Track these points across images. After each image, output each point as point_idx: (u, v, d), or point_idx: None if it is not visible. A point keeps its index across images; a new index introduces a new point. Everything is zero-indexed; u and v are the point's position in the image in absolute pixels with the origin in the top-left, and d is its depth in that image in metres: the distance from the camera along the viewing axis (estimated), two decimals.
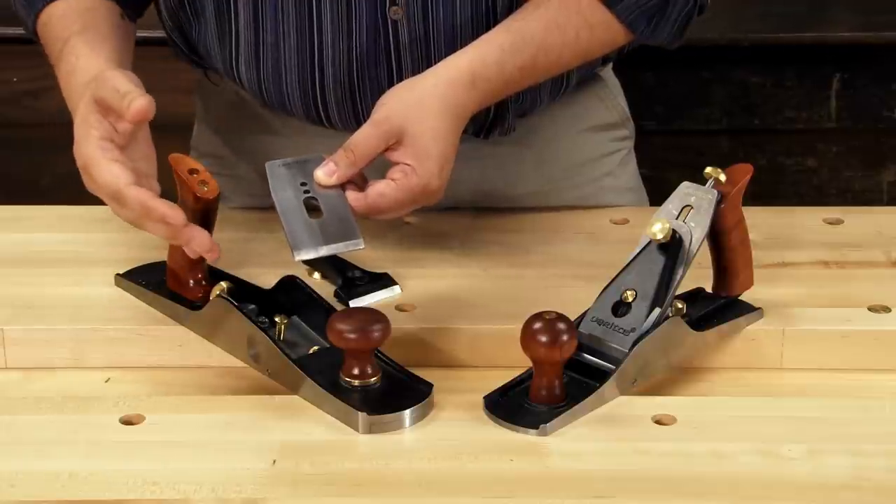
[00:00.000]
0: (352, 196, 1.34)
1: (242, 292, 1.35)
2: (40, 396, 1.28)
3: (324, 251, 1.29)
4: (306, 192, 1.33)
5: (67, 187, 2.23)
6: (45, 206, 1.64)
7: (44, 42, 1.50)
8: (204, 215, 1.33)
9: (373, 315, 1.24)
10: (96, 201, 1.57)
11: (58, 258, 1.49)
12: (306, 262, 1.39)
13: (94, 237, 1.54)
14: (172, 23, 1.58)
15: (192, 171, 1.33)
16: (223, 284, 1.34)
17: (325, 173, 1.34)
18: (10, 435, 1.23)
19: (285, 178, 1.34)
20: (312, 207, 1.32)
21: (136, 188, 1.30)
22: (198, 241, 1.31)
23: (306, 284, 1.36)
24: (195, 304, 1.35)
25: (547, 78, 1.50)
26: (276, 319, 1.33)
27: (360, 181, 1.36)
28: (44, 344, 1.34)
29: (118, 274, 1.42)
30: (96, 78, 1.35)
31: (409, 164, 1.35)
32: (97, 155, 1.32)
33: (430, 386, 1.26)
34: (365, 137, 1.35)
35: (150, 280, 1.40)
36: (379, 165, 1.37)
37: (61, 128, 2.29)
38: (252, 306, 1.34)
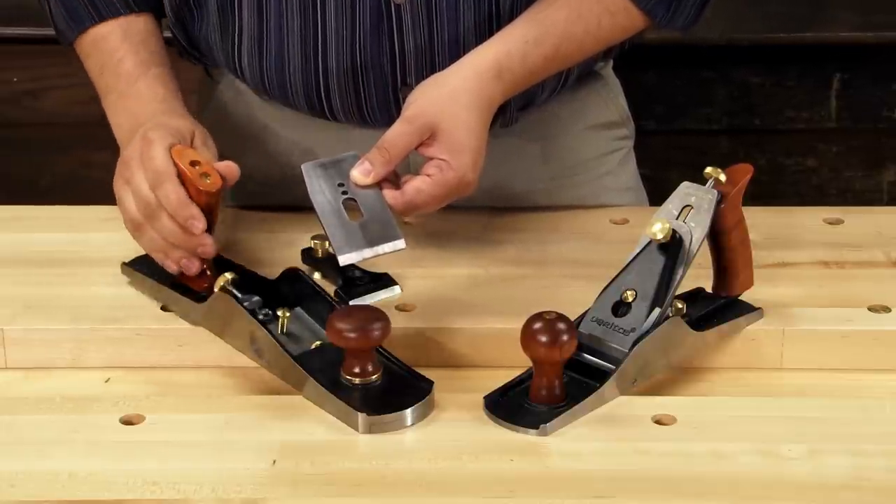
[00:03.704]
0: (389, 194, 1.35)
1: (247, 283, 1.35)
2: (40, 396, 1.28)
3: (368, 253, 1.31)
4: (344, 192, 1.34)
5: (67, 187, 2.25)
6: (45, 206, 1.64)
7: (91, 55, 1.53)
8: (207, 208, 1.33)
9: (372, 313, 1.24)
10: (96, 201, 1.57)
11: (58, 258, 1.49)
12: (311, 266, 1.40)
13: (94, 237, 1.54)
14: (175, 17, 1.58)
15: (193, 163, 1.34)
16: (227, 275, 1.33)
17: (361, 173, 1.35)
18: (10, 435, 1.23)
19: (322, 179, 1.35)
20: (351, 208, 1.33)
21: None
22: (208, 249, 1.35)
23: (309, 277, 1.36)
24: (200, 296, 1.35)
25: (570, 66, 1.51)
26: (279, 313, 1.32)
27: (393, 178, 1.37)
28: (44, 344, 1.34)
29: (124, 263, 1.42)
30: (203, 134, 1.42)
31: (443, 159, 1.37)
32: (170, 140, 1.36)
33: (430, 383, 1.26)
34: (398, 134, 1.36)
35: (155, 270, 1.39)
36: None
37: (61, 128, 2.30)
38: (256, 298, 1.33)
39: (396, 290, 1.42)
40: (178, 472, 1.17)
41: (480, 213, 1.60)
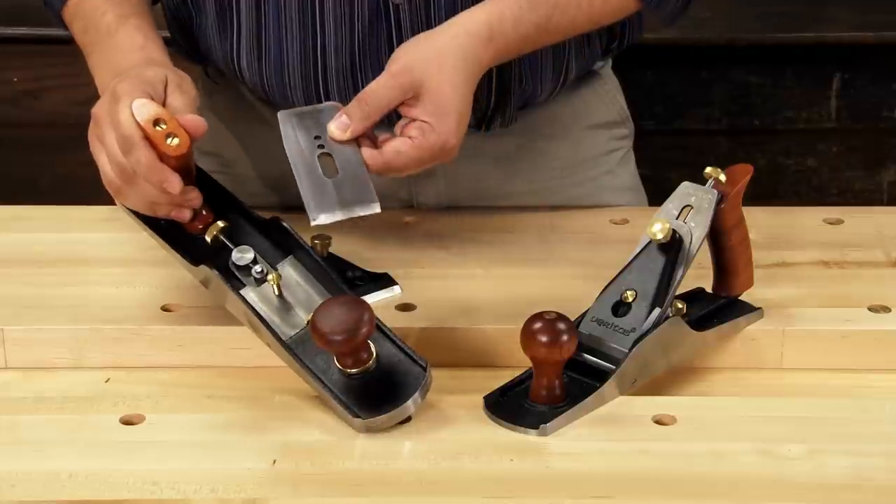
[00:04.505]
0: (367, 153, 1.33)
1: (240, 227, 1.33)
2: (40, 396, 1.28)
3: (339, 216, 1.28)
4: (320, 146, 1.32)
5: (67, 187, 2.25)
6: (45, 206, 1.64)
7: (76, 18, 1.50)
8: (180, 166, 1.29)
9: (354, 311, 1.21)
10: (96, 201, 1.57)
11: (58, 258, 1.49)
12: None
13: (94, 237, 1.54)
14: (173, 17, 1.58)
15: (157, 122, 1.28)
16: (219, 224, 1.32)
17: (338, 128, 1.33)
18: (10, 435, 1.23)
19: (298, 130, 1.32)
20: (327, 164, 1.30)
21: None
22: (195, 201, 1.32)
23: (292, 229, 1.34)
24: (195, 248, 1.32)
25: (560, 40, 1.49)
26: (269, 279, 1.31)
27: (372, 134, 1.35)
28: (44, 344, 1.34)
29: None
30: (178, 78, 1.36)
31: (426, 122, 1.34)
32: (138, 96, 1.30)
33: (425, 362, 1.24)
34: (380, 88, 1.34)
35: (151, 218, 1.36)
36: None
37: (61, 128, 2.30)
38: (249, 253, 1.31)
39: (396, 290, 1.42)
40: (178, 472, 1.17)
41: (481, 212, 1.60)
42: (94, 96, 1.51)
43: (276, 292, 1.30)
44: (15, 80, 2.28)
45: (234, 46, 1.53)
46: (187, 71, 1.66)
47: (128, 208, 1.36)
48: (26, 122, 2.30)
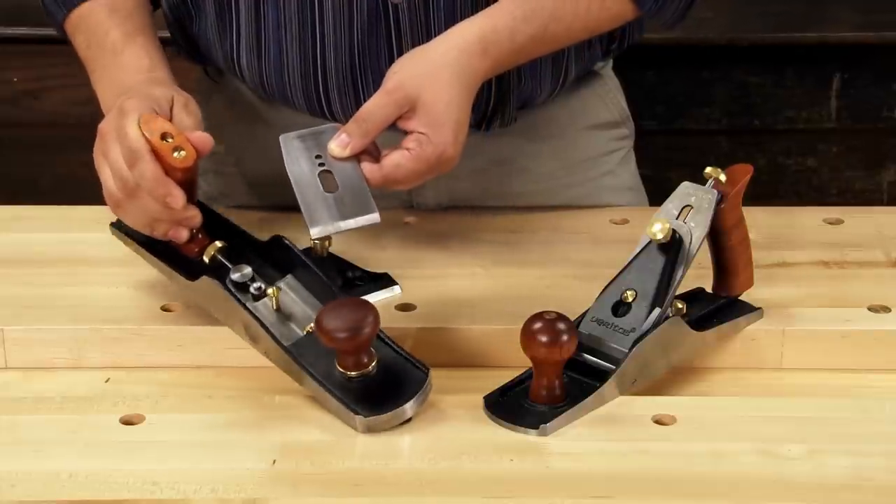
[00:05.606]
0: (367, 168, 1.35)
1: (237, 248, 1.34)
2: (40, 396, 1.28)
3: (341, 226, 1.30)
4: (321, 164, 1.34)
5: (67, 187, 2.25)
6: (45, 206, 1.64)
7: (78, 31, 1.51)
8: (184, 181, 1.30)
9: (360, 310, 1.22)
10: (96, 201, 1.57)
11: (58, 258, 1.49)
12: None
13: (94, 237, 1.53)
14: (172, 17, 1.59)
15: (165, 136, 1.29)
16: (217, 244, 1.33)
17: (338, 145, 1.35)
18: (10, 435, 1.23)
19: (300, 151, 1.35)
20: (327, 180, 1.32)
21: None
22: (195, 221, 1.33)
23: (295, 247, 1.34)
24: (192, 266, 1.33)
25: (557, 48, 1.50)
26: (269, 292, 1.31)
27: (373, 150, 1.36)
28: (44, 344, 1.34)
29: (112, 223, 1.40)
30: (185, 99, 1.38)
31: (423, 133, 1.36)
32: (145, 111, 1.31)
33: (426, 368, 1.25)
34: (377, 106, 1.36)
35: (145, 236, 1.36)
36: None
37: (61, 128, 2.30)
38: (247, 270, 1.32)
39: (396, 290, 1.42)
40: (178, 472, 1.17)
41: (480, 213, 1.60)
42: (95, 96, 1.51)
43: (275, 307, 1.31)
44: (15, 80, 2.28)
45: (234, 46, 1.54)
46: (187, 70, 1.67)
47: (123, 233, 1.37)
48: (26, 122, 2.30)
